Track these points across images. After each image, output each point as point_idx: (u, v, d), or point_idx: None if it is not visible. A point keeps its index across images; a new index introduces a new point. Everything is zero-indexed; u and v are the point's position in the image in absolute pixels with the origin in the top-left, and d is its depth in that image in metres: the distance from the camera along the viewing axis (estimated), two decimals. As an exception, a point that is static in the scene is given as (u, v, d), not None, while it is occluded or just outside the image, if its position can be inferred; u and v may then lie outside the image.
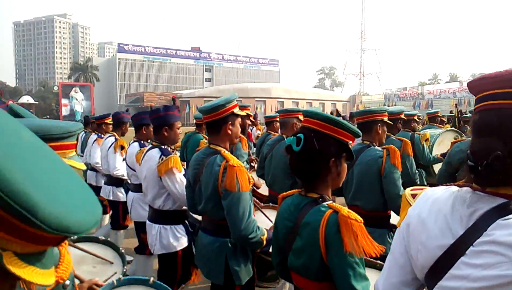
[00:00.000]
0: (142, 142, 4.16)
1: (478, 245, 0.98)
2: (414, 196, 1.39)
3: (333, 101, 68.04)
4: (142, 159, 3.25)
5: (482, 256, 0.96)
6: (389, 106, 51.42)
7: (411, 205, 1.27)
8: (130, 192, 4.16)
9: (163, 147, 3.16)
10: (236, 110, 2.47)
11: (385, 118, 3.20)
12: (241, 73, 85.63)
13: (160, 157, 3.01)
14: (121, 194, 4.80)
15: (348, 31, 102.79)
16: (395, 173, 2.88)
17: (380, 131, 3.15)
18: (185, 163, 4.40)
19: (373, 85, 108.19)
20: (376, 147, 3.08)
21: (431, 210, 1.12)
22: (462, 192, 1.08)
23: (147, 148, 3.31)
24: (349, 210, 1.50)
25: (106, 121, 5.70)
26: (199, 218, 2.80)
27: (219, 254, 2.34)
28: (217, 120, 2.41)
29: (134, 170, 3.94)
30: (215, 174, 2.30)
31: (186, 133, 5.66)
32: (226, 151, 2.41)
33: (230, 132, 2.45)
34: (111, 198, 4.82)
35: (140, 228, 3.85)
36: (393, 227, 2.87)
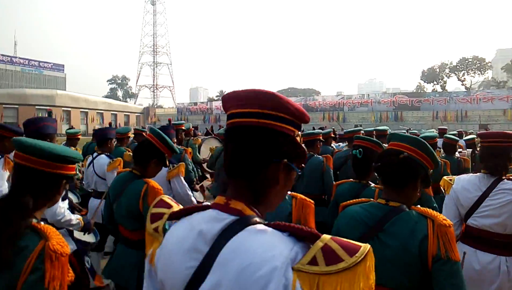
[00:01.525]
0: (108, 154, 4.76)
1: (493, 194, 2.55)
2: (450, 179, 2.81)
3: (126, 112, 66.45)
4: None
5: (497, 197, 2.53)
6: (181, 119, 52.90)
7: (451, 184, 2.76)
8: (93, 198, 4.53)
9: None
10: None
11: (321, 137, 4.85)
12: (17, 77, 75.50)
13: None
14: None
15: (142, 43, 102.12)
16: (331, 171, 4.41)
17: (319, 146, 4.78)
18: None
19: (167, 99, 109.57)
20: (317, 155, 4.51)
21: (469, 181, 2.68)
22: (481, 175, 2.67)
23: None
24: (443, 217, 1.69)
25: None
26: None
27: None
28: None
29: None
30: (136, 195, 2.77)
31: None
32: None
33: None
34: None
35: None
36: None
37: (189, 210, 1.08)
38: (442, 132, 8.58)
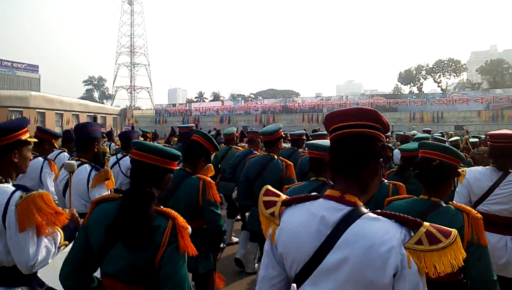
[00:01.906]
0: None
1: (502, 185, 2.99)
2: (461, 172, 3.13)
3: (102, 114, 65.16)
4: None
5: (506, 187, 2.98)
6: (159, 121, 52.42)
7: (464, 175, 3.13)
8: None
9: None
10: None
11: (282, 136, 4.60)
12: (-11, 78, 73.26)
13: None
14: None
15: (119, 43, 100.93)
16: (294, 174, 4.25)
17: (280, 146, 4.56)
18: None
19: (145, 100, 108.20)
20: (279, 159, 4.36)
21: (481, 173, 3.12)
22: (491, 168, 3.12)
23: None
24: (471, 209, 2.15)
25: None
26: None
27: None
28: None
29: None
30: None
31: None
32: None
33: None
34: None
35: None
36: None
37: (299, 199, 1.42)
38: (427, 133, 9.35)
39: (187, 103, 70.77)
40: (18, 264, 1.98)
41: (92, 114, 62.07)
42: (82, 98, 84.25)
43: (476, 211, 2.09)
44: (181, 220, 1.83)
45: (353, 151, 1.34)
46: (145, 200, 1.80)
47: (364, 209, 1.30)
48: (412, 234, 1.22)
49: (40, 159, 4.14)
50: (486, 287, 1.97)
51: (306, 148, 3.57)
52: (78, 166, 3.26)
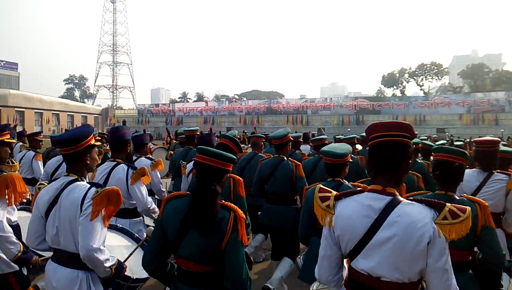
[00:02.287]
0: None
1: (488, 184, 3.52)
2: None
3: (83, 113, 64.12)
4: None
5: (492, 185, 3.48)
6: (142, 121, 51.75)
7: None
8: None
9: None
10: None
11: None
12: (-34, 75, 71.46)
13: None
14: None
15: (101, 42, 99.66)
16: (302, 173, 4.53)
17: (288, 149, 4.86)
18: None
19: (127, 100, 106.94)
20: (289, 160, 4.62)
21: (468, 175, 3.54)
22: (477, 170, 3.62)
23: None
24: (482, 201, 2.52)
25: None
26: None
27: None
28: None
29: None
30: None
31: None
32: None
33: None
34: None
35: None
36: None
37: (347, 193, 1.90)
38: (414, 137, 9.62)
39: (170, 103, 70.06)
40: (82, 247, 2.32)
41: (73, 113, 61.22)
42: (62, 97, 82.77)
43: (483, 200, 2.56)
44: (240, 212, 2.20)
45: (394, 155, 1.80)
46: (212, 195, 2.16)
47: (400, 198, 1.78)
48: (438, 213, 1.70)
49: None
50: (499, 259, 2.48)
51: (321, 155, 3.81)
52: (115, 166, 3.75)
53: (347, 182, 3.43)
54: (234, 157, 2.36)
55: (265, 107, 53.08)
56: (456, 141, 10.52)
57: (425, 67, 63.70)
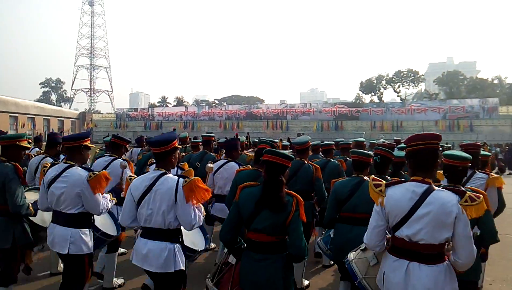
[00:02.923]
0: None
1: (472, 179, 4.35)
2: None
3: (60, 117, 62.93)
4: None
5: (475, 180, 4.31)
6: (120, 125, 51.08)
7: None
8: None
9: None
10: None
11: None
12: None
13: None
14: None
15: (79, 45, 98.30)
16: (320, 174, 5.10)
17: (308, 154, 5.52)
18: None
19: (105, 104, 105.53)
20: (309, 163, 5.15)
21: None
22: (445, 180, 3.63)
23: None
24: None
25: None
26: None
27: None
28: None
29: None
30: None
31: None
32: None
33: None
34: None
35: None
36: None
37: (395, 182, 2.66)
38: (397, 142, 10.45)
39: (149, 107, 69.51)
40: (184, 225, 3.12)
41: (49, 117, 59.98)
42: (38, 100, 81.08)
43: (483, 191, 3.45)
44: (299, 197, 2.94)
45: (430, 157, 2.60)
46: (280, 185, 2.91)
47: (434, 186, 2.55)
48: (461, 198, 2.47)
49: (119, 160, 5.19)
50: (493, 236, 3.38)
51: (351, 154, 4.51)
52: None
53: (366, 177, 3.92)
54: (292, 156, 3.20)
55: (245, 112, 53.20)
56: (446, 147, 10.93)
57: (402, 74, 65.05)
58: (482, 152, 5.06)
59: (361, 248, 3.08)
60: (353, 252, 3.13)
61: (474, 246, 2.46)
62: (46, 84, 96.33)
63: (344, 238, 3.78)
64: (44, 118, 58.47)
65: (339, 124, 45.92)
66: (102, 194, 3.63)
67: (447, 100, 50.23)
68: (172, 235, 3.15)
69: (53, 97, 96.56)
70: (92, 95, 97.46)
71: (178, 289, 3.25)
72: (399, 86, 65.63)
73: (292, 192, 2.97)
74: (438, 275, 2.46)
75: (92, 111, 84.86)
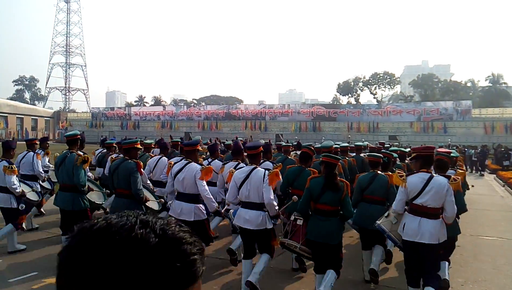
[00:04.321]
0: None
1: (447, 172, 5.48)
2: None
3: (33, 116, 61.52)
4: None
5: (448, 173, 5.42)
6: (96, 125, 50.29)
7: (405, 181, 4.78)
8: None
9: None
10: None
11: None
12: None
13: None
14: None
15: (54, 42, 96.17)
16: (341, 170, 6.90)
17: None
18: None
19: (80, 102, 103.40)
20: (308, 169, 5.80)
21: (415, 176, 4.66)
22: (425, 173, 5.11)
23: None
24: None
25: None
26: None
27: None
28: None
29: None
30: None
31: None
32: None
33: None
34: None
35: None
36: None
37: (412, 173, 4.42)
38: (382, 145, 11.61)
39: (126, 107, 68.64)
40: (266, 199, 4.62)
41: (22, 115, 58.58)
42: (11, 98, 78.92)
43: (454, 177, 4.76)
44: (347, 183, 4.63)
45: (431, 159, 4.52)
46: (335, 176, 4.50)
47: (434, 174, 4.29)
48: (448, 180, 4.25)
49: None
50: (463, 206, 5.03)
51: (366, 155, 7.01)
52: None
53: (380, 172, 5.54)
54: (340, 157, 5.71)
55: (224, 113, 53.12)
56: (404, 147, 11.33)
57: (378, 76, 65.97)
58: (453, 154, 6.64)
59: (384, 215, 4.72)
60: (380, 219, 4.68)
61: (455, 206, 4.21)
62: (19, 82, 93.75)
63: (367, 212, 5.28)
64: (17, 117, 57.07)
65: (317, 125, 46.35)
66: (205, 181, 5.07)
67: (422, 102, 51.23)
68: (263, 206, 4.68)
69: (27, 95, 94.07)
70: (67, 94, 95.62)
71: (270, 240, 4.81)
72: (375, 88, 66.55)
73: (343, 179, 4.71)
74: (436, 225, 4.13)
75: (67, 110, 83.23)
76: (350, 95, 68.04)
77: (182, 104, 75.98)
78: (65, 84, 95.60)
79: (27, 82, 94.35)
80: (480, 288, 5.16)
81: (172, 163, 5.50)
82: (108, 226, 0.64)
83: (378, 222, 4.63)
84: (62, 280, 0.63)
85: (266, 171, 4.68)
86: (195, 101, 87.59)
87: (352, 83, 67.42)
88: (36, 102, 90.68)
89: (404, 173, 4.55)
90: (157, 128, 53.35)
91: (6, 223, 6.13)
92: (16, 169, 6.17)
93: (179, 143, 8.44)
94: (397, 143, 16.06)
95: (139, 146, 5.73)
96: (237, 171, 5.01)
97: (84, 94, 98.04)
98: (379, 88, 66.63)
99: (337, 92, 70.40)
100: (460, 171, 6.12)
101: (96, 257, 0.60)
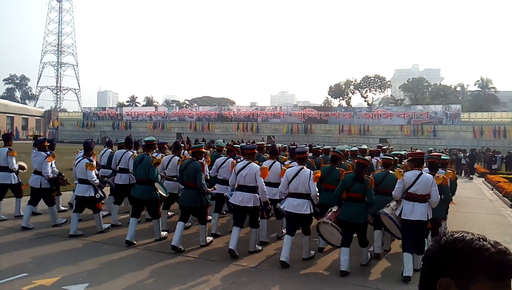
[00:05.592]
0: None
1: (437, 172, 6.94)
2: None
3: (24, 115, 61.08)
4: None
5: (438, 173, 6.89)
6: (87, 125, 49.89)
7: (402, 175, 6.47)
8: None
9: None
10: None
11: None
12: None
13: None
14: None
15: (46, 41, 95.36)
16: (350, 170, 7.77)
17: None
18: None
19: (72, 102, 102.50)
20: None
21: (410, 173, 6.28)
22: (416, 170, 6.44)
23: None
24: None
25: None
26: None
27: None
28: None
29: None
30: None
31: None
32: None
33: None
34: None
35: None
36: None
37: (407, 171, 6.21)
38: (380, 148, 12.07)
39: (118, 107, 68.31)
40: (312, 191, 6.13)
41: (13, 114, 58.08)
42: (1, 97, 78.17)
43: (438, 175, 6.36)
44: (372, 178, 6.08)
45: (421, 161, 6.23)
46: (363, 173, 5.94)
47: (423, 171, 5.91)
48: (433, 175, 5.98)
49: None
50: (448, 197, 6.66)
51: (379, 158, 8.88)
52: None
53: (391, 171, 6.85)
54: (368, 160, 7.01)
55: (216, 114, 53.16)
56: (397, 150, 11.56)
57: (369, 79, 66.44)
58: (443, 157, 8.07)
59: (386, 205, 6.14)
60: (385, 207, 6.10)
61: (438, 195, 5.75)
62: (10, 81, 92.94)
63: (380, 203, 6.24)
64: (7, 116, 56.62)
65: (309, 127, 46.60)
66: (263, 177, 6.51)
67: (412, 106, 51.75)
68: (307, 196, 6.11)
69: (18, 94, 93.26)
70: (59, 93, 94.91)
71: (310, 223, 6.37)
72: (366, 91, 67.01)
73: (369, 176, 6.07)
74: (424, 207, 5.70)
75: (58, 110, 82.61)
76: (341, 98, 68.44)
77: (174, 104, 75.81)
78: (57, 83, 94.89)
79: (18, 81, 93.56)
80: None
81: (235, 162, 7.19)
82: (462, 236, 1.03)
83: (382, 209, 6.06)
84: (430, 266, 1.06)
85: (311, 171, 6.20)
86: (187, 102, 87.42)
87: (344, 86, 67.84)
88: (27, 101, 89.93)
89: (403, 171, 6.39)
90: (149, 129, 53.19)
91: (79, 211, 7.40)
92: (95, 165, 7.59)
93: (231, 146, 9.23)
94: (388, 146, 16.34)
95: (203, 150, 7.29)
96: (288, 169, 6.46)
97: (76, 93, 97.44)
98: (370, 91, 67.14)
99: (329, 94, 70.78)
100: (449, 171, 7.50)
101: (455, 249, 1.02)
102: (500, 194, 14.70)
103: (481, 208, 12.41)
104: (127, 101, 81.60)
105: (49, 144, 8.50)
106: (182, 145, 9.77)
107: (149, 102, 78.02)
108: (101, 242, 6.84)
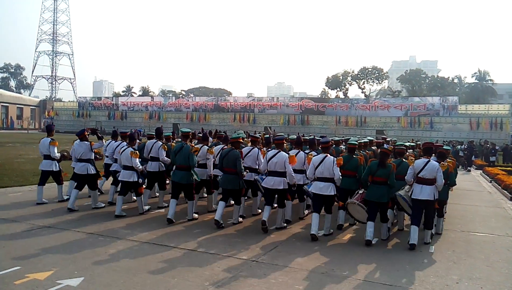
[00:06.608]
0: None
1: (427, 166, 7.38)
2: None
3: (19, 104, 60.57)
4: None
5: (426, 169, 7.13)
6: (82, 114, 49.64)
7: (413, 162, 7.49)
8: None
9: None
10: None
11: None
12: None
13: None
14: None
15: (41, 30, 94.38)
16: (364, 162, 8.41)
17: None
18: None
19: (67, 92, 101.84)
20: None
21: (419, 161, 7.26)
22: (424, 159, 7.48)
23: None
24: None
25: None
26: None
27: None
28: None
29: None
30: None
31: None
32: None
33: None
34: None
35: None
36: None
37: (419, 158, 7.38)
38: (384, 140, 12.62)
39: (113, 96, 67.88)
40: (336, 175, 7.02)
41: (7, 104, 57.53)
42: (-5, 86, 77.41)
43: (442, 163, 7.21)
44: (394, 164, 7.04)
45: (431, 149, 7.14)
46: (386, 160, 6.95)
47: (431, 159, 6.92)
48: (439, 163, 6.90)
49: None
50: (453, 181, 7.77)
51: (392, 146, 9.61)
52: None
53: (405, 160, 7.76)
54: (389, 149, 7.74)
55: (212, 104, 52.90)
56: (407, 142, 11.84)
57: (366, 71, 66.21)
58: (445, 146, 8.68)
59: (401, 189, 7.02)
60: (400, 190, 6.98)
61: (442, 179, 6.63)
62: (4, 70, 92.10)
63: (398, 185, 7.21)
64: (2, 105, 56.15)
65: (305, 118, 46.45)
66: (292, 164, 7.36)
67: (409, 97, 51.62)
68: (331, 180, 6.95)
69: (12, 83, 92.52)
70: (54, 82, 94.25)
71: (333, 203, 7.25)
72: (363, 83, 66.81)
73: (392, 163, 7.00)
74: (432, 189, 6.64)
75: (54, 99, 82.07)
76: (338, 89, 68.25)
77: (170, 95, 75.34)
78: (52, 72, 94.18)
79: (13, 70, 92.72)
80: (476, 286, 5.03)
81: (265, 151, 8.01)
82: None
83: (398, 192, 7.00)
84: None
85: (335, 158, 7.07)
86: (183, 92, 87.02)
87: (341, 77, 67.60)
88: (22, 91, 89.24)
89: (414, 158, 7.96)
90: (145, 119, 52.95)
91: (123, 194, 8.21)
92: (138, 153, 8.24)
93: (249, 136, 9.81)
94: (390, 139, 16.33)
95: (241, 140, 8.04)
96: (314, 157, 7.29)
97: (71, 83, 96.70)
98: (367, 83, 66.98)
99: (326, 86, 70.61)
100: (450, 160, 8.22)
101: None
102: (499, 187, 14.63)
103: (481, 200, 12.30)
104: (123, 91, 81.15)
105: (89, 133, 9.24)
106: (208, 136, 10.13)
107: (145, 92, 77.56)
108: (96, 234, 6.67)
